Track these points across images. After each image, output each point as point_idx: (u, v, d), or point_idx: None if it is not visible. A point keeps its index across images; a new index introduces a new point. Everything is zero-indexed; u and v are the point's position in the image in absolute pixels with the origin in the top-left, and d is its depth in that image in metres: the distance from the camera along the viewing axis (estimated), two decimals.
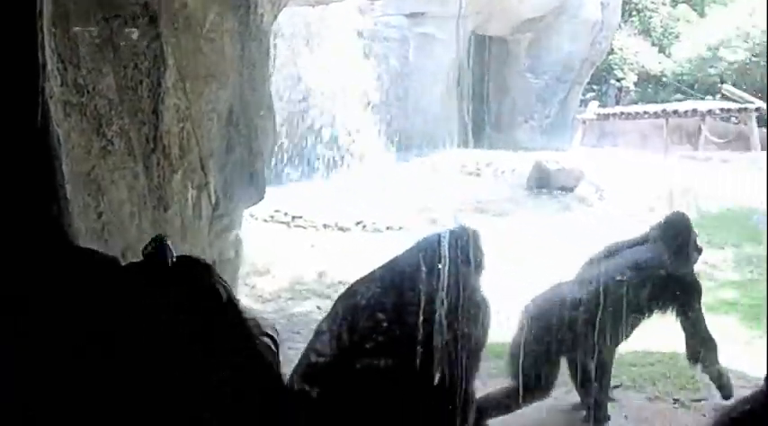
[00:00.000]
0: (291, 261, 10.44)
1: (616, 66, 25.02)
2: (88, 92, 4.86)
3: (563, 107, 20.89)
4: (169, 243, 2.06)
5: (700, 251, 5.85)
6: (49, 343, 1.94)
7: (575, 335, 5.23)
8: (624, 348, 5.78)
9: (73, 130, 4.72)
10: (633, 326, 5.48)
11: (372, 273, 3.96)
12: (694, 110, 19.36)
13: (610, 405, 5.51)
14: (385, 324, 3.69)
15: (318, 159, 15.87)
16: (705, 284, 6.21)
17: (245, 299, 6.30)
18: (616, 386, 5.82)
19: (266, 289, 9.55)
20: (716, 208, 13.31)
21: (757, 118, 19.65)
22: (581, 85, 21.64)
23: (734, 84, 22.09)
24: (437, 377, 3.62)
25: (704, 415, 5.41)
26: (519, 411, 5.23)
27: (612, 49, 23.56)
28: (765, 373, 2.47)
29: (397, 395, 3.55)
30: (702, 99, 22.50)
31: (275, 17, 7.29)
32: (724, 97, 21.22)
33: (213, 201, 6.10)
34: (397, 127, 17.20)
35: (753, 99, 20.19)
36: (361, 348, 3.67)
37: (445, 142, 17.34)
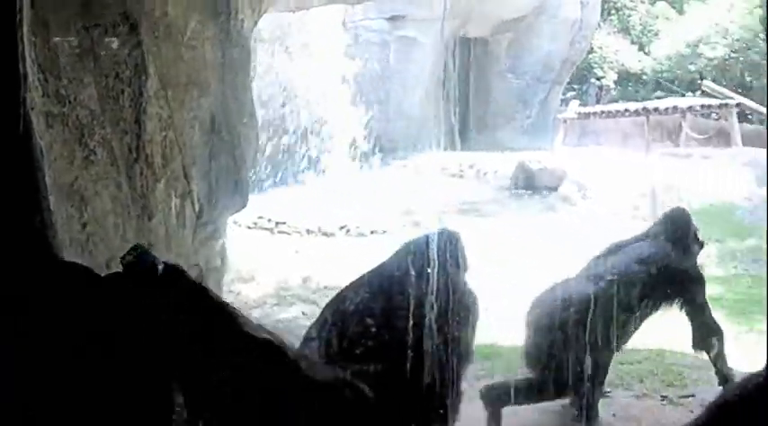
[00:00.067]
0: (276, 267, 10.40)
1: (596, 65, 25.08)
2: (70, 102, 4.84)
3: (544, 107, 20.93)
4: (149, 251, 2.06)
5: (701, 244, 5.96)
6: (49, 344, 1.93)
7: (593, 331, 5.23)
8: None
9: (55, 141, 4.70)
10: (641, 320, 5.54)
11: (361, 278, 3.95)
12: (675, 108, 19.38)
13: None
14: (374, 330, 3.68)
15: (300, 164, 15.84)
16: None
17: None
18: (608, 392, 5.82)
19: (251, 296, 9.50)
20: (698, 204, 13.34)
21: (738, 114, 19.73)
22: (561, 85, 21.69)
23: (714, 81, 22.16)
24: (427, 381, 3.62)
25: (692, 411, 5.41)
26: (510, 410, 5.23)
27: (592, 48, 23.63)
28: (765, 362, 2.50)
29: (387, 401, 3.54)
30: (683, 96, 22.55)
31: (255, 23, 7.28)
32: (704, 94, 21.28)
33: (197, 209, 6.08)
34: (378, 130, 17.17)
35: (733, 95, 20.27)
36: (350, 353, 3.66)
37: (427, 145, 17.33)
